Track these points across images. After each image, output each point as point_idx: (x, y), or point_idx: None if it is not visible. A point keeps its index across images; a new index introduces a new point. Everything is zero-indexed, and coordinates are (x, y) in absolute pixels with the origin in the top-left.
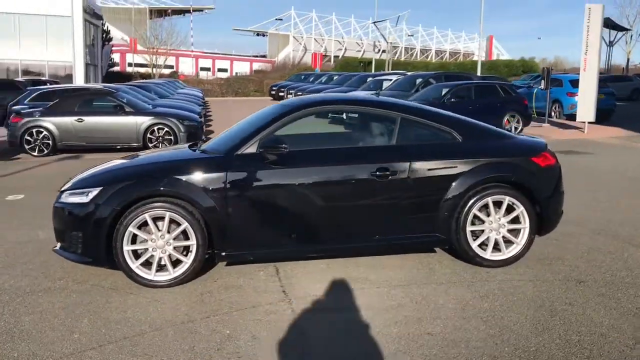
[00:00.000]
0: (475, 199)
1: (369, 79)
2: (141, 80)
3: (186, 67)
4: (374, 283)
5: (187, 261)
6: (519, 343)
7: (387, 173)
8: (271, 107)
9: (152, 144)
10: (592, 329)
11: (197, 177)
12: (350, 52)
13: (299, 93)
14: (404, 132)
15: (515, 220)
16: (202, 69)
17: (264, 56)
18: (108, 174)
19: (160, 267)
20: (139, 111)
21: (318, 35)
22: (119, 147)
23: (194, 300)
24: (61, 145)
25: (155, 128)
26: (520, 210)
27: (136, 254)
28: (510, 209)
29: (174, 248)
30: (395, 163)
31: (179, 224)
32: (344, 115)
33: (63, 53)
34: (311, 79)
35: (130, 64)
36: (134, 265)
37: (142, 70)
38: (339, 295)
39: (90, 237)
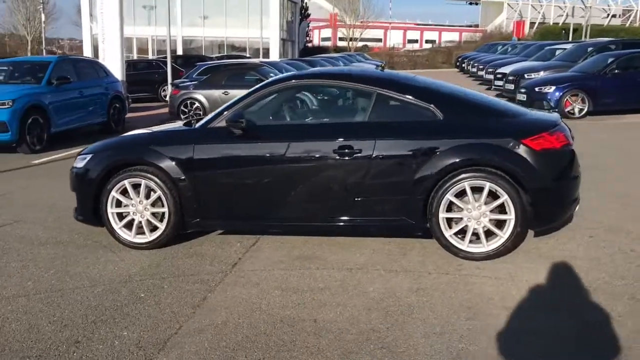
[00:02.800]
0: (450, 183)
1: (546, 48)
2: (321, 55)
3: (395, 39)
4: (327, 264)
5: (161, 227)
6: (384, 342)
7: (351, 151)
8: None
9: None
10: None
11: (170, 148)
12: (575, 18)
13: (476, 64)
14: (379, 108)
15: (502, 209)
16: (410, 41)
17: (476, 26)
18: (102, 143)
19: (140, 230)
20: None
21: (536, 1)
22: None
23: (150, 264)
24: None
25: None
26: (504, 198)
27: (121, 217)
28: (495, 196)
29: (152, 214)
30: (360, 140)
31: (155, 192)
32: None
33: (261, 30)
34: (499, 49)
35: (325, 39)
36: (117, 226)
37: (341, 44)
38: (278, 273)
39: (83, 198)
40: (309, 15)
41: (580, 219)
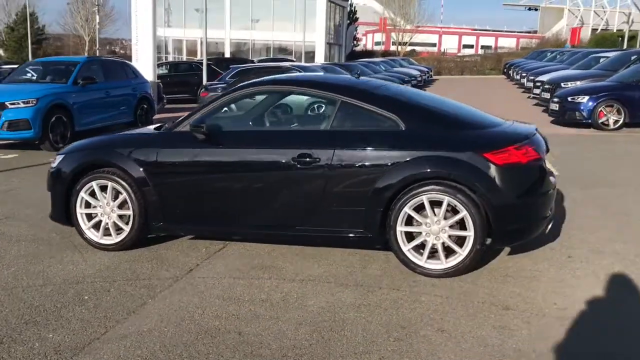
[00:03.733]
0: (408, 196)
1: (590, 56)
2: (363, 60)
3: (450, 44)
4: (282, 274)
5: (126, 229)
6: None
7: (309, 160)
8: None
9: None
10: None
11: (136, 151)
12: (635, 24)
13: (519, 71)
14: (342, 117)
15: (463, 225)
16: (465, 46)
17: (535, 32)
18: (75, 144)
19: (108, 232)
20: None
21: (599, 7)
22: None
23: (109, 266)
24: None
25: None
26: (463, 214)
27: (90, 217)
28: (456, 212)
29: (118, 216)
30: (318, 150)
31: (122, 194)
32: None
33: (307, 33)
34: (548, 56)
35: (378, 43)
36: (85, 227)
37: (394, 48)
38: (227, 282)
39: (55, 197)
40: (357, 19)
41: (566, 237)
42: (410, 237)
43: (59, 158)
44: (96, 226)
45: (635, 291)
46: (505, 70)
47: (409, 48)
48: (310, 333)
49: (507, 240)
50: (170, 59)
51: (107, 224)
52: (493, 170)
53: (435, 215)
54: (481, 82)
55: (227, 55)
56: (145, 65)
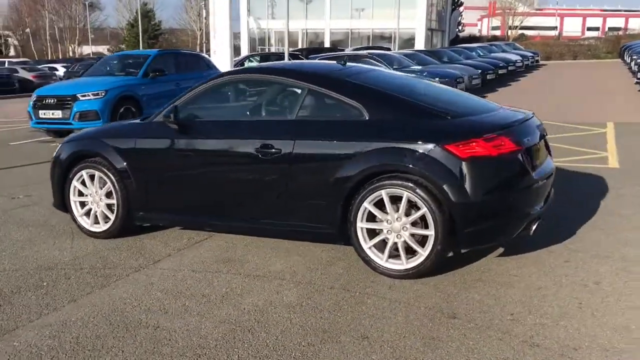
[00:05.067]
0: (367, 190)
1: None
2: (462, 45)
3: (572, 26)
4: (243, 269)
5: (112, 218)
6: None
7: (271, 150)
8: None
9: None
10: None
11: (118, 141)
12: None
13: (630, 54)
14: (308, 106)
15: (425, 223)
16: (590, 28)
17: None
18: (75, 134)
19: (97, 220)
20: None
21: None
22: None
23: (86, 253)
24: None
25: None
26: (423, 211)
27: (83, 205)
28: (418, 208)
29: (106, 205)
30: (280, 140)
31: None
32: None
33: (408, 20)
34: None
35: (495, 27)
36: (78, 214)
37: (497, 32)
38: (183, 275)
39: (54, 185)
40: (461, 3)
41: (578, 239)
42: (373, 234)
43: (60, 147)
44: (88, 214)
45: (612, 308)
46: (621, 53)
47: (520, 32)
48: (226, 332)
49: (472, 241)
50: (273, 50)
51: (96, 212)
52: (456, 164)
53: (396, 211)
54: (591, 66)
55: (327, 45)
56: (222, 56)
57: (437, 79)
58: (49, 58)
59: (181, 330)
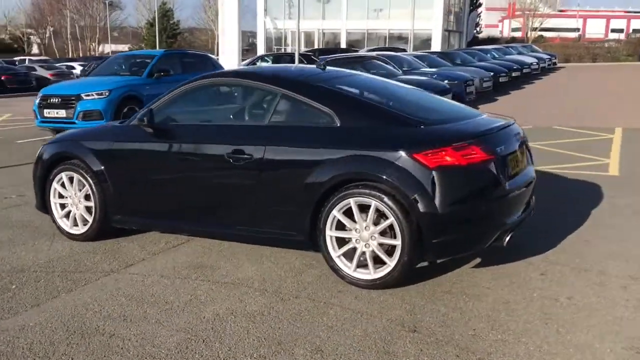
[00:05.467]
0: (336, 198)
1: None
2: (475, 47)
3: (595, 28)
4: (212, 275)
5: (90, 220)
6: None
7: (242, 156)
8: None
9: None
10: None
11: (96, 144)
12: None
13: None
14: (281, 111)
15: (394, 233)
16: (614, 30)
17: None
18: (56, 136)
19: (76, 222)
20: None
21: None
22: None
23: (60, 256)
24: None
25: None
26: (390, 220)
27: (63, 207)
28: (386, 217)
29: (85, 207)
30: (251, 146)
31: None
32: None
33: (425, 21)
34: None
35: (515, 29)
36: (58, 216)
37: (517, 34)
38: (151, 281)
39: (35, 186)
40: (480, 5)
41: (560, 250)
42: (343, 242)
43: (42, 148)
44: (68, 216)
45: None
46: None
47: (538, 34)
48: (180, 341)
49: (440, 252)
50: (289, 50)
51: (75, 214)
52: (423, 173)
53: (364, 220)
54: (609, 69)
55: (343, 45)
56: (230, 57)
57: (445, 81)
58: (70, 56)
59: (136, 338)
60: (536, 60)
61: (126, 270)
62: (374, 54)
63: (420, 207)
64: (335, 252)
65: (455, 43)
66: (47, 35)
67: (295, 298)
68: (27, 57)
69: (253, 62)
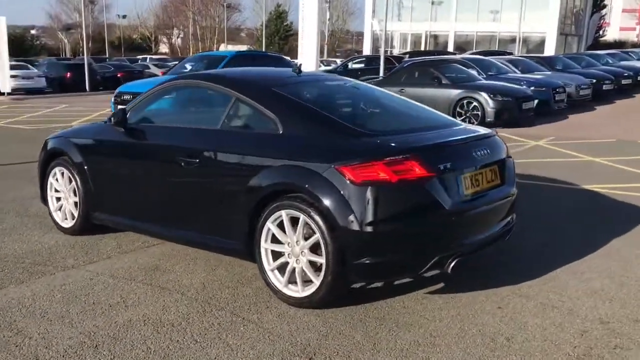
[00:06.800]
0: (270, 209)
1: None
2: (587, 52)
3: None
4: (154, 280)
5: (75, 215)
6: None
7: (190, 160)
8: None
9: (460, 119)
10: None
11: (79, 141)
12: None
13: None
14: (233, 116)
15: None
16: None
17: None
18: (54, 133)
19: (66, 216)
20: (454, 84)
21: None
22: None
23: (40, 248)
24: None
25: (465, 102)
26: (316, 236)
27: (58, 201)
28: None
29: (73, 202)
30: (201, 150)
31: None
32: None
33: (537, 23)
34: None
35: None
36: (53, 209)
37: None
38: (98, 281)
39: (39, 180)
40: (604, 6)
41: (538, 283)
42: (278, 256)
43: (44, 144)
44: (61, 209)
45: None
46: None
47: None
48: (73, 345)
49: (364, 275)
50: (395, 52)
51: (65, 208)
52: (348, 188)
53: (295, 234)
54: None
55: (450, 48)
56: (308, 58)
57: (532, 87)
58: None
59: (37, 337)
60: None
61: (85, 267)
62: (458, 57)
63: (342, 224)
64: (269, 266)
65: (574, 47)
66: (175, 35)
67: (218, 310)
68: (147, 56)
69: (344, 65)
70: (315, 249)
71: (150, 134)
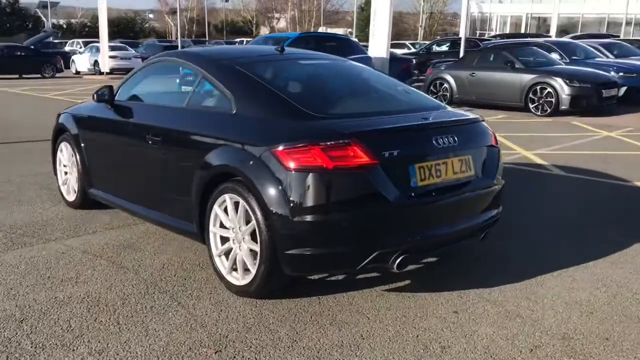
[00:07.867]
0: (216, 192)
1: None
2: None
3: None
4: (117, 258)
5: (76, 189)
6: None
7: (157, 139)
8: None
9: (533, 105)
10: None
11: (78, 118)
12: None
13: None
14: (198, 94)
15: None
16: None
17: None
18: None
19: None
20: (528, 68)
21: None
22: (500, 106)
23: (45, 219)
24: (457, 98)
25: (538, 87)
26: (252, 222)
27: (66, 174)
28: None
29: (75, 177)
30: (166, 128)
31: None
32: None
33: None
34: None
35: None
36: (61, 182)
37: None
38: (70, 258)
39: (52, 154)
40: None
41: (511, 289)
42: (225, 241)
43: (56, 120)
44: (66, 183)
45: None
46: None
47: None
48: (1, 318)
49: (297, 267)
50: (492, 34)
51: (69, 182)
52: (282, 173)
53: (236, 219)
54: None
55: (552, 32)
56: (379, 41)
57: (620, 73)
58: None
59: None
60: None
61: (64, 241)
62: (541, 40)
63: (275, 211)
64: (216, 251)
65: None
66: (276, 19)
67: (160, 293)
68: (244, 39)
69: (428, 48)
70: (254, 236)
71: (130, 112)
